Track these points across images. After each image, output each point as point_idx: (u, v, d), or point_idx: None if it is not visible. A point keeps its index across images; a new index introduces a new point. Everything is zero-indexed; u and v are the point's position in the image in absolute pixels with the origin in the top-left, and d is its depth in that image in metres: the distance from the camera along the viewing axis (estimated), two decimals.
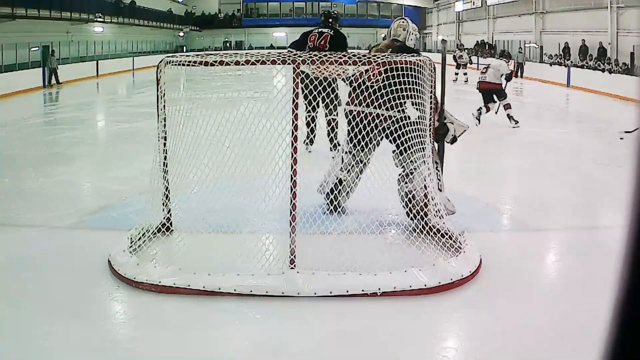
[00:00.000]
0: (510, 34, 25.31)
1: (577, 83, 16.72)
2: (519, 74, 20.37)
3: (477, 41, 27.97)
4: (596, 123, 8.55)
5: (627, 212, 0.50)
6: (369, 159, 4.01)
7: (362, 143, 3.85)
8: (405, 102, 3.74)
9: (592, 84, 15.61)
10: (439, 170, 3.94)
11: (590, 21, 18.75)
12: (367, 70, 3.95)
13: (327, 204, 4.15)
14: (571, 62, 18.71)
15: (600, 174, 5.98)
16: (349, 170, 4.10)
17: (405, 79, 3.57)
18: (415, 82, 3.60)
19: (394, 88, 3.62)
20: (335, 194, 4.14)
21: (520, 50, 21.68)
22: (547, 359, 2.45)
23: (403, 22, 4.35)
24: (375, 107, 3.85)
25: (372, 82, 3.90)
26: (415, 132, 3.65)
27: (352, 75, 4.10)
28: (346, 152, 4.11)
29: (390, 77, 3.67)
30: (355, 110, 3.93)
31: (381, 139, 3.98)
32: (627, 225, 0.50)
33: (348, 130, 4.01)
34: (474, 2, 29.06)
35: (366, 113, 3.85)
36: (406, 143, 3.69)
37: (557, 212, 4.64)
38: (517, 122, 8.62)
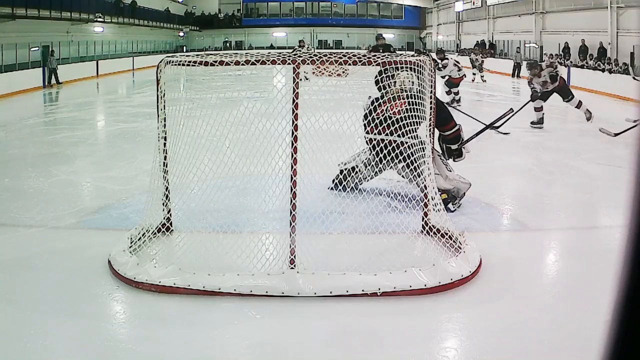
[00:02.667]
0: (510, 34, 25.30)
1: (577, 83, 16.71)
2: (516, 73, 20.43)
3: (477, 41, 27.97)
4: (596, 123, 8.54)
5: (627, 212, 0.50)
6: (386, 169, 4.72)
7: (381, 164, 4.52)
8: (419, 128, 3.96)
9: (592, 84, 15.60)
10: (443, 160, 4.64)
11: (590, 21, 18.74)
12: (391, 104, 4.39)
13: (334, 179, 4.82)
14: (571, 62, 18.70)
15: (600, 174, 5.98)
16: (365, 164, 4.76)
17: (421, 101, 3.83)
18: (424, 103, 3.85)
19: (414, 120, 3.85)
20: (345, 174, 4.82)
21: (518, 50, 21.68)
22: (547, 359, 2.45)
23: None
24: (395, 135, 4.03)
25: (396, 115, 4.14)
26: (422, 149, 3.78)
27: (372, 106, 4.47)
28: (368, 159, 4.76)
29: (411, 110, 3.87)
30: (376, 139, 4.32)
31: (398, 162, 4.14)
32: (627, 225, 0.50)
33: (372, 155, 4.53)
34: (474, 2, 29.06)
35: (387, 141, 4.07)
36: (416, 162, 3.76)
37: (557, 212, 4.64)
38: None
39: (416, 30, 37.91)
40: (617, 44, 17.47)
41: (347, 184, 4.80)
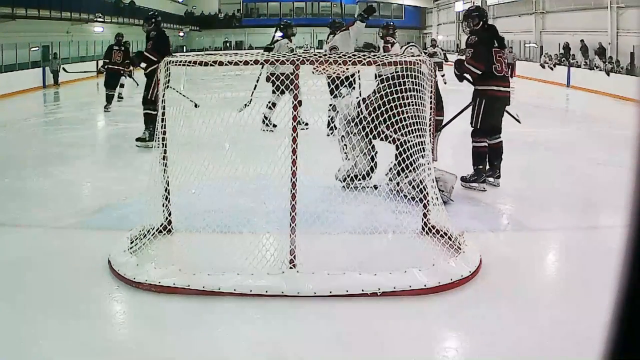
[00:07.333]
0: (511, 34, 25.25)
1: (577, 83, 16.73)
2: (511, 73, 20.27)
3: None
4: (596, 123, 8.56)
5: (627, 212, 0.50)
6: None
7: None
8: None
9: (592, 84, 15.61)
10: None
11: (590, 21, 18.74)
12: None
13: (344, 186, 4.73)
14: (576, 61, 18.69)
15: (600, 174, 5.98)
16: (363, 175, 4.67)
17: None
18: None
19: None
20: (351, 177, 4.68)
21: (511, 50, 21.52)
22: (546, 359, 2.45)
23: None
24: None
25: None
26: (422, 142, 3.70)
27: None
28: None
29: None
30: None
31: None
32: (627, 225, 0.50)
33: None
34: (473, 2, 29.07)
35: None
36: (413, 150, 3.74)
37: (557, 212, 4.64)
38: None
39: (416, 31, 37.89)
40: (617, 44, 17.48)
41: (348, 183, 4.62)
